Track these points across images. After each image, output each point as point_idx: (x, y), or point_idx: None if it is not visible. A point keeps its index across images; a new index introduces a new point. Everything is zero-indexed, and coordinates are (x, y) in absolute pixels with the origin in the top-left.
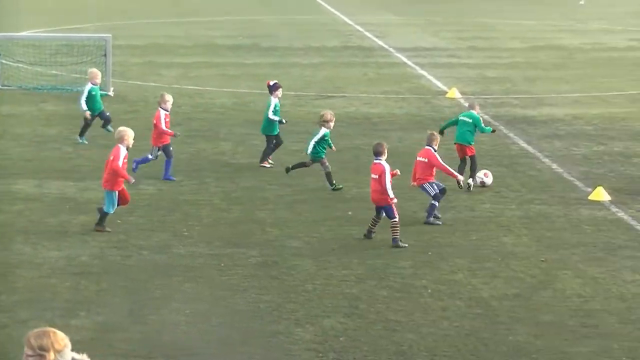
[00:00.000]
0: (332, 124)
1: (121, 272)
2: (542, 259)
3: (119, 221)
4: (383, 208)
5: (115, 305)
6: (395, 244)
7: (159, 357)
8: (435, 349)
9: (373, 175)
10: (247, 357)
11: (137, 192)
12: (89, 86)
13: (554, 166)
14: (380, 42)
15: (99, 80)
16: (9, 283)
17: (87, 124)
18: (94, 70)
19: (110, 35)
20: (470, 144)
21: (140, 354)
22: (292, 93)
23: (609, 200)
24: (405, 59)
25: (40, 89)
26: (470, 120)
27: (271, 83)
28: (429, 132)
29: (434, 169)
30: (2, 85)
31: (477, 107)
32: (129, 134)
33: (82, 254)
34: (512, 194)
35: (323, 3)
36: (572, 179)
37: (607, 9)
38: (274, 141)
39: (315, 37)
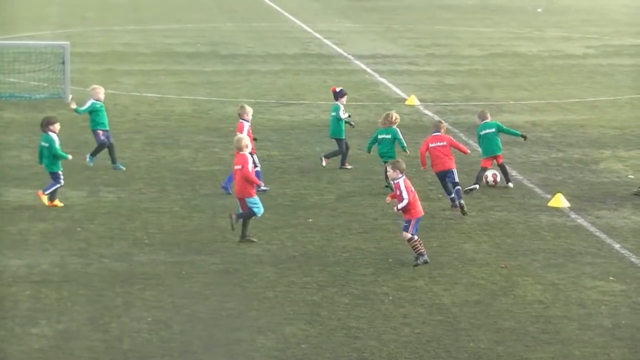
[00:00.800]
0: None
1: (82, 280)
2: (503, 266)
3: (79, 229)
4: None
5: (76, 313)
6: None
7: None
8: (397, 355)
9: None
10: None
11: (97, 199)
12: (90, 101)
13: (514, 173)
14: (339, 50)
15: (102, 96)
16: None
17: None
18: (97, 86)
19: (68, 42)
20: (500, 152)
21: None
22: (252, 100)
23: (568, 207)
24: (364, 66)
25: None
26: (494, 130)
27: (337, 89)
28: (436, 119)
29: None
30: None
31: (488, 114)
32: (248, 140)
33: (42, 262)
34: (472, 200)
35: (282, 11)
36: (531, 185)
37: (564, 17)
38: (346, 143)
39: (275, 44)
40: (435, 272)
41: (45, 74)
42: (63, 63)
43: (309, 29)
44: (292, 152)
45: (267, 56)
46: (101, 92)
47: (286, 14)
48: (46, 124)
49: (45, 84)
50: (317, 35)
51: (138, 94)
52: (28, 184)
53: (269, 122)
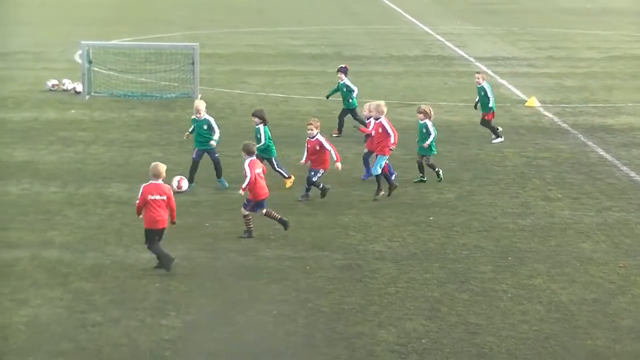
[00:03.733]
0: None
1: (209, 274)
2: (621, 265)
3: (207, 224)
4: (264, 201)
5: (203, 306)
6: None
7: (245, 357)
8: (515, 351)
9: (257, 170)
10: (331, 358)
11: (224, 196)
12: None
13: (632, 174)
14: (460, 52)
15: (201, 115)
16: (102, 283)
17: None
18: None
19: (197, 44)
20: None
21: (228, 354)
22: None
23: None
24: (485, 68)
25: (130, 96)
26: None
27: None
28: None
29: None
30: (93, 93)
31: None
32: None
33: (172, 253)
34: (591, 201)
35: (404, 13)
36: None
37: None
38: None
39: (397, 46)
40: (553, 271)
41: (175, 74)
42: (193, 63)
43: (430, 32)
44: (412, 151)
45: (390, 58)
46: (200, 110)
47: (408, 16)
48: None
49: (176, 84)
50: (439, 37)
51: (264, 93)
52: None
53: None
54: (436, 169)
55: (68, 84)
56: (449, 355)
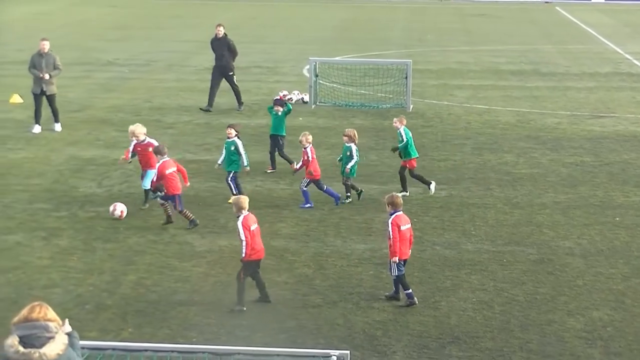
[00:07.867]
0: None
1: (416, 264)
2: None
3: (415, 220)
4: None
5: None
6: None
7: (447, 338)
8: None
9: (170, 170)
10: (524, 342)
11: (432, 196)
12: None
13: None
14: None
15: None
16: (322, 270)
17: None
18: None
19: (410, 60)
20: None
21: (432, 335)
22: (568, 113)
23: None
24: None
25: (350, 106)
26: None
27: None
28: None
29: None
30: (319, 102)
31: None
32: None
33: (384, 247)
34: None
35: (596, 34)
36: None
37: None
38: None
39: (589, 64)
40: None
41: (390, 87)
42: (406, 78)
43: (620, 51)
44: (602, 158)
45: (582, 74)
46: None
47: (600, 37)
48: None
49: (390, 96)
50: (628, 56)
51: (468, 105)
52: (374, 180)
53: (583, 132)
54: (357, 190)
55: (297, 95)
56: (632, 342)
